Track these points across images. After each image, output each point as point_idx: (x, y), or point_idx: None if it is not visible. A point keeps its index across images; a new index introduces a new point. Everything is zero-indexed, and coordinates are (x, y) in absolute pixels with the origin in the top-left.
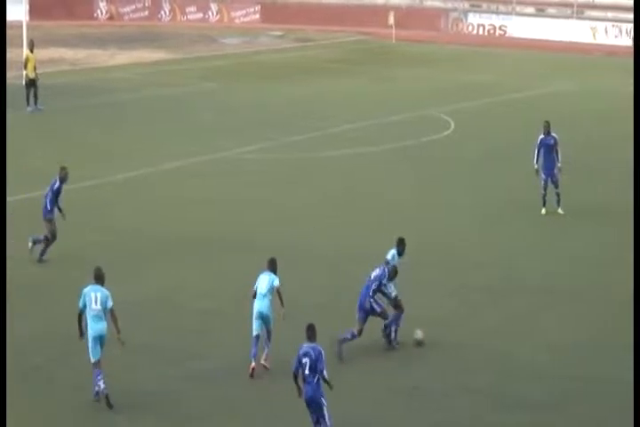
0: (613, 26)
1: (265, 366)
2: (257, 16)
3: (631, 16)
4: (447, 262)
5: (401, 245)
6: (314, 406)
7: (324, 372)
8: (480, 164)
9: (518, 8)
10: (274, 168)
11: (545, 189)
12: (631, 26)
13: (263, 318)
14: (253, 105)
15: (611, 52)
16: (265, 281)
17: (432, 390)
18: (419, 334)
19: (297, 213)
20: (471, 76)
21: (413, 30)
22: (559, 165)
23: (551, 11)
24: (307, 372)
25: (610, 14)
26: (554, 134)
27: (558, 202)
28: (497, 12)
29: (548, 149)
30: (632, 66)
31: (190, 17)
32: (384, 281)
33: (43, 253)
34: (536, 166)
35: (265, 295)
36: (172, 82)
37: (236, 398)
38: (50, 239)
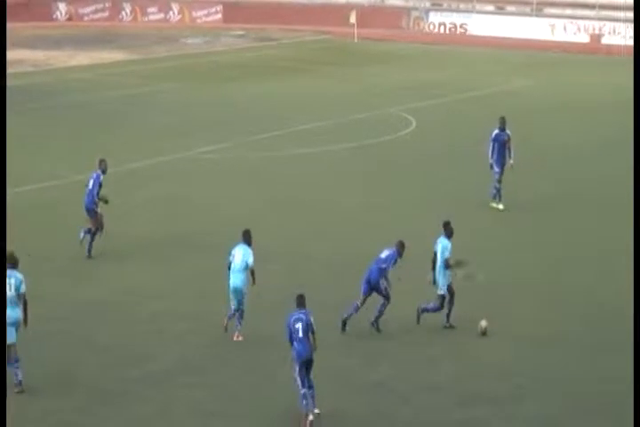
0: (571, 23)
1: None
2: (219, 16)
3: (588, 13)
4: (410, 259)
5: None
6: (309, 364)
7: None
8: (441, 161)
9: (478, 6)
10: (234, 167)
11: (500, 182)
12: (588, 22)
13: (236, 292)
14: (215, 105)
15: (569, 48)
16: (240, 255)
17: (396, 387)
18: (483, 323)
19: (256, 212)
20: (432, 74)
21: (375, 29)
22: (511, 161)
23: (511, 8)
24: (300, 335)
25: (568, 11)
26: (508, 131)
27: (497, 196)
28: (458, 11)
29: (502, 145)
30: (589, 62)
31: (151, 17)
32: (395, 262)
33: (90, 248)
34: (491, 161)
35: (240, 271)
36: (131, 82)
37: (192, 398)
38: (98, 230)
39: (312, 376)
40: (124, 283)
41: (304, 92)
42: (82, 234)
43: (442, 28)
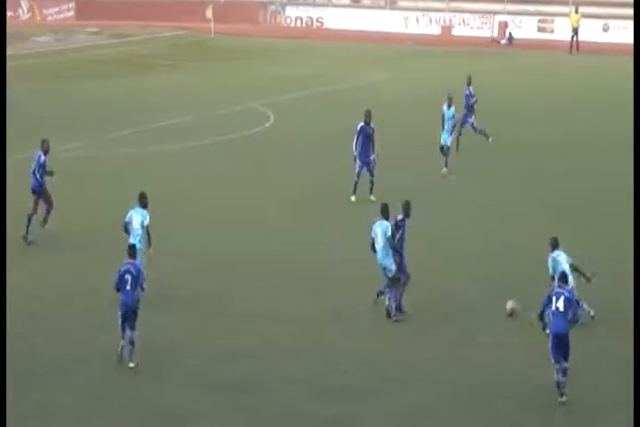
0: (424, 15)
1: None
2: (71, 13)
3: (439, 5)
4: (260, 254)
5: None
6: (131, 314)
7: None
8: (301, 154)
9: (334, 0)
10: (95, 166)
11: (358, 176)
12: (439, 14)
13: (136, 251)
14: (68, 103)
15: (422, 40)
16: (138, 218)
17: (255, 384)
18: (510, 304)
19: (118, 210)
20: (290, 68)
21: (232, 24)
22: (373, 155)
23: (366, 2)
24: (128, 287)
25: (420, 4)
26: (372, 125)
27: (371, 189)
28: (314, 5)
29: (367, 138)
30: (441, 53)
31: None
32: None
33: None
34: (355, 153)
35: (138, 234)
36: None
37: (61, 401)
38: (49, 208)
39: (133, 329)
40: None
41: (161, 88)
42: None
43: (299, 22)
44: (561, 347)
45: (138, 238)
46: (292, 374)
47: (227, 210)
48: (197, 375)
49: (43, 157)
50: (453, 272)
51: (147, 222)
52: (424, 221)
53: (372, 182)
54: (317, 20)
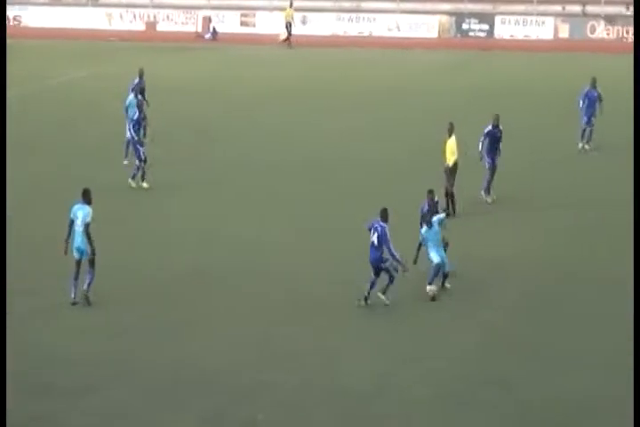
0: (127, 11)
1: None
2: None
3: (142, 1)
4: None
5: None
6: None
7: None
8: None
9: None
10: None
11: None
12: (143, 10)
13: (81, 253)
14: None
15: (126, 37)
16: (81, 214)
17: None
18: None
19: None
20: None
21: None
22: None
23: (67, 0)
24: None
25: (123, 0)
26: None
27: (143, 176)
28: (12, 3)
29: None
30: (146, 49)
31: None
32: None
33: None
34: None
35: (82, 231)
36: None
37: None
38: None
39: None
40: None
41: None
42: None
43: None
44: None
45: (81, 240)
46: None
47: None
48: None
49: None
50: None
51: (89, 219)
52: None
53: (141, 169)
54: (15, 19)
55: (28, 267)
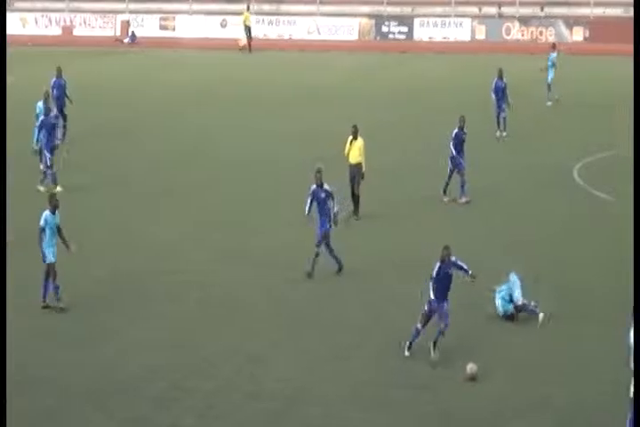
0: (43, 16)
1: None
2: None
3: (59, 5)
4: None
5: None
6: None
7: None
8: None
9: None
10: None
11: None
12: (59, 15)
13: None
14: None
15: (41, 41)
16: (52, 220)
17: None
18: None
19: None
20: None
21: None
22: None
23: None
24: None
25: (38, 5)
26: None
27: (54, 181)
28: None
29: (49, 129)
30: (63, 54)
31: None
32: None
33: None
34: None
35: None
36: None
37: None
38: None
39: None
40: None
41: None
42: None
43: None
44: None
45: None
46: None
47: None
48: None
49: None
50: None
51: (57, 221)
52: None
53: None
54: None
55: None
